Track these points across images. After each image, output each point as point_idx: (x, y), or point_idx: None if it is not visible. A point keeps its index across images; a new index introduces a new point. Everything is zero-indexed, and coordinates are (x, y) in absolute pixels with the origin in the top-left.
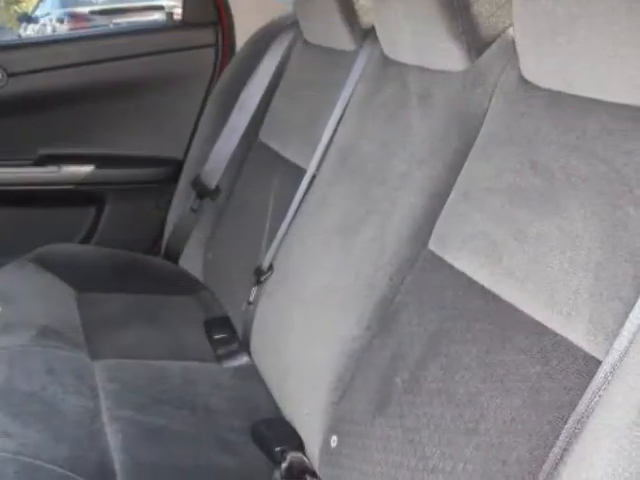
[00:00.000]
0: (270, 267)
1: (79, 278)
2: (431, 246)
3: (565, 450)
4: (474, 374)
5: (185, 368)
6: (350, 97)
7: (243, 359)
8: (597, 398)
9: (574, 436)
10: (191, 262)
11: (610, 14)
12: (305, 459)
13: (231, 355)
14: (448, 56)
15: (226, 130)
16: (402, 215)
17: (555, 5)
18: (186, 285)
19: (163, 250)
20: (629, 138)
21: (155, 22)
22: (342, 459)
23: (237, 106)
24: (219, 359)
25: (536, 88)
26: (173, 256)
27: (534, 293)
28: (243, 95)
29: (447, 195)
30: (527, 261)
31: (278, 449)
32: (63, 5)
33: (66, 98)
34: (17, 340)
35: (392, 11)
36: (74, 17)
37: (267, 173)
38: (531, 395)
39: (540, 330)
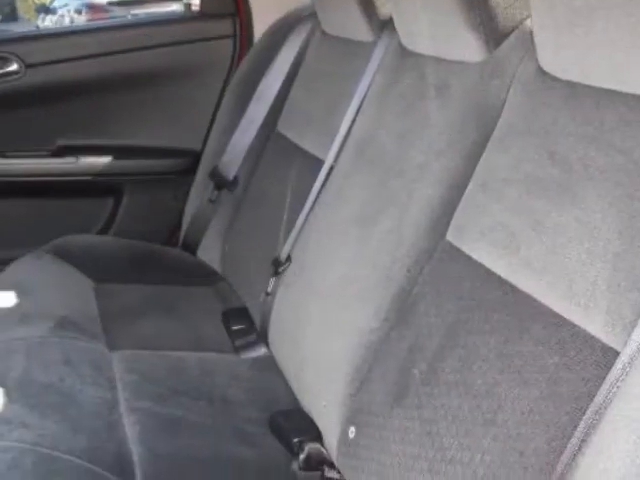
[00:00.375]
0: (288, 258)
1: (97, 269)
2: (449, 237)
3: (583, 441)
4: (492, 365)
5: (203, 359)
6: (368, 88)
7: (261, 350)
8: (615, 389)
9: (592, 427)
10: (209, 253)
11: (628, 5)
12: (323, 450)
13: (249, 346)
14: (466, 47)
15: (244, 121)
16: (420, 206)
17: None
18: (204, 276)
19: (181, 241)
20: None
21: (173, 13)
22: (360, 450)
23: (255, 97)
24: (237, 350)
25: (554, 79)
26: (191, 247)
27: (552, 284)
28: (261, 86)
29: (465, 186)
30: (545, 252)
31: (296, 440)
32: None
33: (84, 89)
34: (35, 331)
35: (410, 2)
36: (92, 8)
37: (285, 164)
38: (549, 386)
39: (558, 321)
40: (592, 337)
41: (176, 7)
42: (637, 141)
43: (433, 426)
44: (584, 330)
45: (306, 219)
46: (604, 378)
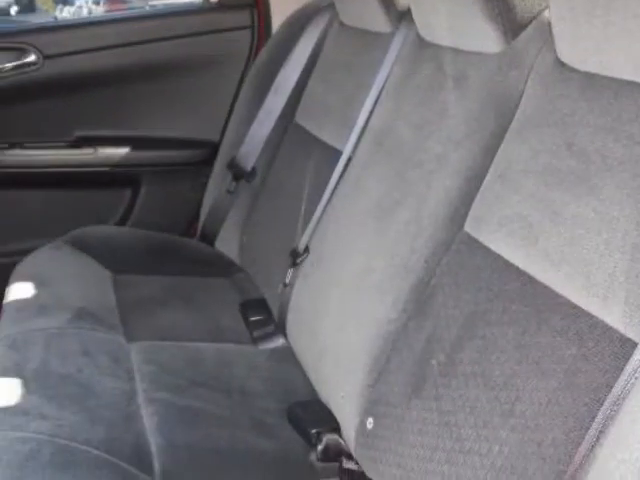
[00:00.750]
0: (306, 249)
1: (115, 260)
2: (467, 228)
3: (601, 432)
4: (510, 356)
5: (221, 350)
6: (386, 79)
7: (279, 341)
8: (633, 380)
9: (610, 418)
10: (227, 244)
11: None
12: (341, 441)
13: (267, 337)
14: (484, 38)
15: (262, 112)
16: (438, 197)
17: None
18: (222, 267)
19: (199, 232)
20: None
21: (191, 4)
22: (378, 441)
23: (273, 88)
24: (255, 341)
25: (572, 70)
26: (209, 238)
27: (570, 275)
28: (279, 77)
29: (483, 177)
30: (563, 243)
31: (314, 431)
32: None
33: (102, 80)
34: (53, 322)
35: None
36: None
37: (303, 155)
38: (567, 377)
39: (576, 312)
40: (610, 328)
41: None
42: None
43: (451, 417)
44: (602, 321)
45: (324, 210)
46: (622, 369)
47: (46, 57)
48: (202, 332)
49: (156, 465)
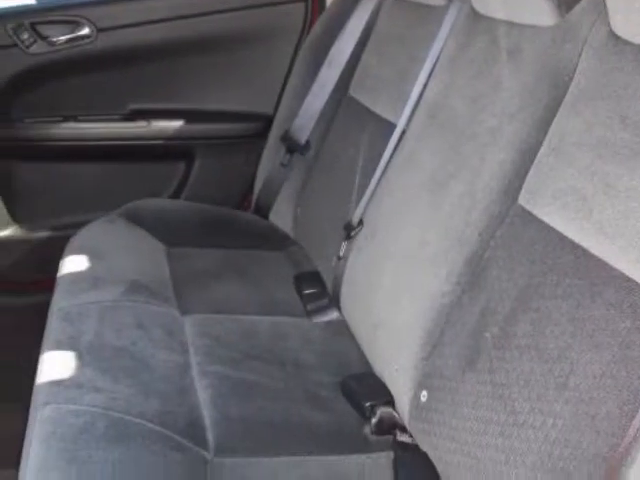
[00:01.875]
0: (360, 222)
1: (169, 233)
2: (521, 201)
3: None
4: (564, 329)
5: (275, 323)
6: (440, 52)
7: (333, 314)
8: None
9: None
10: (281, 217)
11: None
12: (395, 414)
13: (321, 310)
14: (538, 11)
15: (316, 85)
16: (492, 170)
17: None
18: (276, 240)
19: (253, 205)
20: None
21: None
22: (432, 414)
23: (327, 61)
24: (309, 314)
25: (626, 43)
26: (263, 211)
27: (624, 248)
28: (333, 50)
29: (537, 150)
30: (617, 216)
31: (368, 404)
32: None
33: (156, 53)
34: (107, 295)
35: None
36: None
37: (357, 128)
38: (621, 350)
39: (630, 285)
40: None
41: None
42: None
43: (505, 390)
44: None
45: (378, 183)
46: None
47: (100, 30)
48: (256, 305)
49: (210, 438)
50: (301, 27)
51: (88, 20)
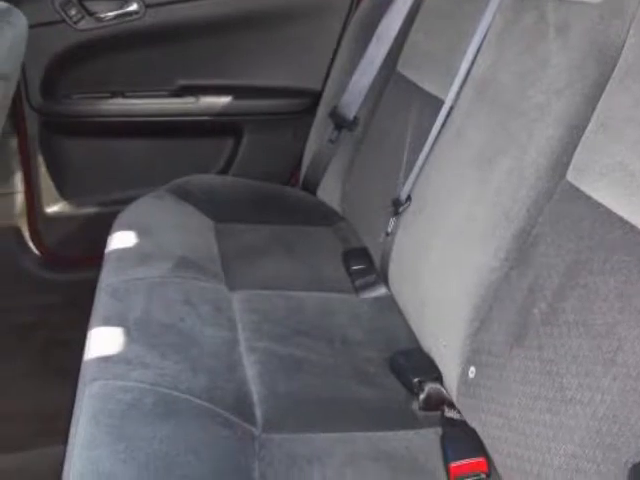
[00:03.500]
0: (408, 198)
1: (217, 209)
2: (569, 177)
3: None
4: (612, 305)
5: (323, 299)
6: (488, 28)
7: (381, 290)
8: None
9: None
10: (329, 193)
11: None
12: (443, 390)
13: (369, 286)
14: None
15: (364, 61)
16: (540, 146)
17: None
18: (324, 216)
19: (301, 181)
20: None
21: None
22: (480, 390)
23: (375, 37)
24: (357, 290)
25: None
26: (311, 187)
27: None
28: (381, 26)
29: (585, 126)
30: None
31: (416, 380)
32: None
33: (203, 29)
34: (155, 271)
35: None
36: None
37: (405, 104)
38: None
39: None
40: None
41: None
42: None
43: (553, 366)
44: None
45: (426, 159)
46: None
47: (148, 6)
48: (304, 281)
49: (258, 414)
50: (349, 3)
51: None
